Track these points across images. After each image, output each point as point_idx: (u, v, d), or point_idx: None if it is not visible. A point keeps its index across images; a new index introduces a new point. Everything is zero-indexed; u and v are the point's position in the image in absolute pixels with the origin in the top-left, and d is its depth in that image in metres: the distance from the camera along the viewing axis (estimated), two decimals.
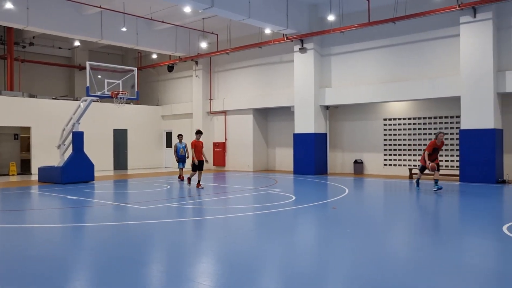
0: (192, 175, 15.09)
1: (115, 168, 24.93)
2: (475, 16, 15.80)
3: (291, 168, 21.68)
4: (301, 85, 20.59)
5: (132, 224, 8.88)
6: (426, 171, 14.01)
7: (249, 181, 18.13)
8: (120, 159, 25.36)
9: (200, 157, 14.71)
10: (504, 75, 15.72)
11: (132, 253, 6.48)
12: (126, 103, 17.85)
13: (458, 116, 17.17)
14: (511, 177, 16.32)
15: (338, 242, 7.23)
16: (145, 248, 6.87)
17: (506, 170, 16.35)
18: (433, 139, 13.65)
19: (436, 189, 13.10)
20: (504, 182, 15.79)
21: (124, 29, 21.06)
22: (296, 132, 20.83)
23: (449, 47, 17.18)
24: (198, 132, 14.95)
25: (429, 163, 13.16)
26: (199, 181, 14.87)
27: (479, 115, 15.83)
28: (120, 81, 17.34)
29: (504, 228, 7.90)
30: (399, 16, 17.20)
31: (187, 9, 18.38)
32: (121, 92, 17.04)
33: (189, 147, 16.68)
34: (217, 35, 24.00)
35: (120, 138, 25.35)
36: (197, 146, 14.68)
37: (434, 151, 13.37)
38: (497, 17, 15.90)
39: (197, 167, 14.69)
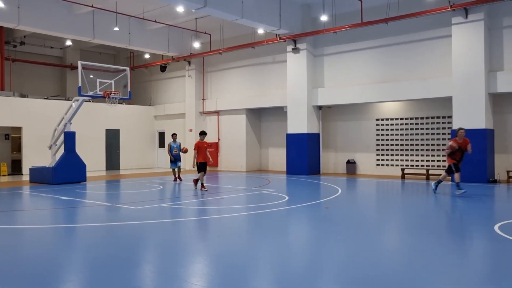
0: (200, 178, 14.32)
1: (107, 169, 24.81)
2: (466, 17, 15.90)
3: (284, 168, 21.69)
4: (294, 85, 20.61)
5: (125, 224, 8.83)
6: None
7: (242, 181, 18.12)
8: (112, 159, 25.24)
9: (204, 159, 14.20)
10: (496, 75, 15.83)
11: (125, 253, 6.45)
12: (118, 103, 17.76)
13: (450, 116, 17.26)
14: (502, 177, 16.44)
15: (332, 242, 7.24)
16: (138, 248, 6.84)
17: (497, 170, 16.46)
18: (453, 138, 12.55)
19: (461, 191, 12.17)
20: (495, 181, 15.91)
21: (116, 28, 20.97)
22: (289, 132, 20.85)
23: (441, 47, 17.27)
24: (202, 133, 14.48)
25: (449, 145, 12.25)
26: (197, 180, 14.56)
27: (470, 115, 15.93)
28: (112, 81, 17.26)
29: (496, 228, 7.95)
30: (392, 16, 17.26)
31: (180, 9, 18.33)
32: (113, 92, 16.96)
33: (187, 147, 16.45)
34: (210, 35, 23.96)
35: (112, 138, 25.23)
36: (201, 147, 14.17)
37: (457, 150, 12.25)
38: (488, 18, 16.01)
39: (200, 168, 14.20)
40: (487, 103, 15.84)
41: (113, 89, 17.10)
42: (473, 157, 15.79)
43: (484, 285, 5.11)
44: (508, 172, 16.23)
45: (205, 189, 14.06)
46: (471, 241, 7.54)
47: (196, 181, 14.67)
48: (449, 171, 12.47)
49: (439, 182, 12.88)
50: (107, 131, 24.95)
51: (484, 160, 15.77)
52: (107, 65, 19.07)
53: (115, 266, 5.81)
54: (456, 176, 12.29)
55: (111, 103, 17.04)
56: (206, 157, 14.28)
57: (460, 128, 12.41)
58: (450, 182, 16.06)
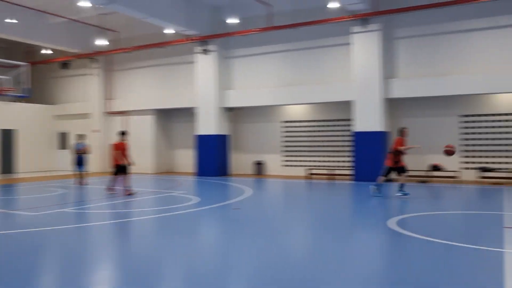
0: (114, 183, 13.48)
1: (2, 172, 22.95)
2: (365, 27, 17.03)
3: (194, 170, 21.60)
4: (203, 86, 20.62)
5: (22, 232, 8.28)
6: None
7: (151, 183, 17.77)
8: (8, 162, 23.38)
9: (124, 161, 13.33)
10: (391, 82, 17.13)
11: (23, 263, 6.05)
12: (15, 101, 16.53)
13: (351, 119, 18.30)
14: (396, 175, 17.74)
15: (241, 242, 7.39)
16: (38, 257, 6.45)
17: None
18: (398, 137, 12.37)
19: (400, 194, 12.25)
20: (390, 180, 17.16)
21: (12, 20, 19.43)
22: (198, 133, 20.82)
23: (343, 54, 18.27)
24: (122, 133, 13.65)
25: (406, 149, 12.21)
26: (124, 189, 13.33)
27: (369, 118, 17.09)
28: (7, 77, 16.03)
29: (388, 223, 8.63)
30: (298, 22, 17.95)
31: (85, 4, 17.44)
32: (8, 89, 15.77)
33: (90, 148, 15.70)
34: (117, 32, 23.14)
35: (8, 139, 23.37)
36: (120, 148, 13.32)
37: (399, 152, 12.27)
38: (385, 29, 17.26)
39: (120, 171, 13.31)
40: (383, 107, 17.08)
41: (7, 86, 15.89)
42: (371, 157, 16.97)
43: (377, 274, 5.55)
44: None
45: (114, 192, 13.47)
46: (366, 235, 8.11)
47: (127, 191, 13.31)
48: (400, 171, 12.30)
49: (401, 186, 12.41)
50: (2, 131, 23.08)
51: (381, 160, 16.96)
52: (2, 60, 17.67)
53: (12, 278, 5.44)
54: (381, 179, 12.50)
55: (8, 101, 15.82)
56: (126, 159, 13.48)
57: (406, 128, 12.54)
58: (351, 181, 17.06)
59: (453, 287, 5.10)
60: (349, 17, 17.02)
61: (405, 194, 12.23)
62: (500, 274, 5.39)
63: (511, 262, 5.89)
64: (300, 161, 20.14)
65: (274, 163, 20.78)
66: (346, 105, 18.44)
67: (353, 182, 17.13)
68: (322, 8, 17.76)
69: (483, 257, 6.33)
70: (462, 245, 6.89)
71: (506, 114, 16.43)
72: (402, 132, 12.40)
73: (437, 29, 16.79)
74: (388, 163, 12.38)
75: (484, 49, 16.11)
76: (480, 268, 5.88)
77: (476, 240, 7.18)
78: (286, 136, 20.57)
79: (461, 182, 16.38)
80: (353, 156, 17.55)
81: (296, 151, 20.32)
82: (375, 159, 16.94)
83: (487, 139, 16.69)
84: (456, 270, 5.71)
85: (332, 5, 16.42)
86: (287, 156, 20.55)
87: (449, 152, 11.92)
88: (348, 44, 17.93)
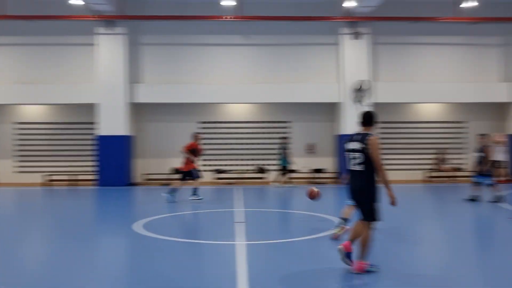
0: None
1: None
2: (111, 29, 16.79)
3: None
4: None
5: None
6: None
7: None
8: None
9: None
10: (136, 86, 17.33)
11: None
12: None
13: (95, 123, 17.68)
14: (139, 180, 18.02)
15: None
16: None
17: (135, 173, 17.95)
18: (191, 142, 12.81)
19: (195, 198, 12.46)
20: (134, 184, 17.34)
21: None
22: None
23: (88, 54, 17.48)
24: None
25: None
26: None
27: (113, 122, 16.88)
28: None
29: (133, 226, 8.73)
30: (36, 15, 16.38)
31: None
32: None
33: None
34: None
35: None
36: None
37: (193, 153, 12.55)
38: (131, 33, 17.33)
39: None
40: (128, 111, 17.13)
41: None
42: (116, 161, 16.81)
43: (124, 278, 5.56)
44: (144, 175, 17.95)
45: None
46: (112, 240, 8.02)
47: None
48: (190, 177, 12.46)
49: (195, 190, 12.57)
50: None
51: (125, 164, 17.02)
52: None
53: None
54: (196, 182, 12.53)
55: None
56: None
57: (198, 133, 13.27)
58: (95, 187, 16.54)
59: (194, 280, 5.50)
60: (93, 17, 16.49)
61: (199, 199, 12.45)
62: (234, 263, 6.10)
63: (241, 252, 6.72)
64: (38, 166, 18.30)
65: (5, 170, 18.33)
66: (89, 108, 17.73)
67: (97, 187, 16.62)
68: (65, 3, 16.70)
69: (219, 250, 7.03)
70: (201, 241, 7.50)
71: (237, 122, 18.62)
72: (194, 137, 12.90)
73: (180, 40, 17.82)
74: (188, 167, 12.49)
75: (217, 63, 17.86)
76: (217, 260, 6.50)
77: (214, 236, 7.92)
78: (20, 140, 18.44)
79: (200, 183, 17.73)
80: (97, 161, 17.02)
81: (32, 155, 18.39)
82: (119, 163, 16.89)
83: (221, 143, 18.54)
84: (196, 265, 6.18)
85: (75, 1, 15.65)
86: (21, 161, 18.42)
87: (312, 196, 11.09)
88: (93, 44, 17.32)
